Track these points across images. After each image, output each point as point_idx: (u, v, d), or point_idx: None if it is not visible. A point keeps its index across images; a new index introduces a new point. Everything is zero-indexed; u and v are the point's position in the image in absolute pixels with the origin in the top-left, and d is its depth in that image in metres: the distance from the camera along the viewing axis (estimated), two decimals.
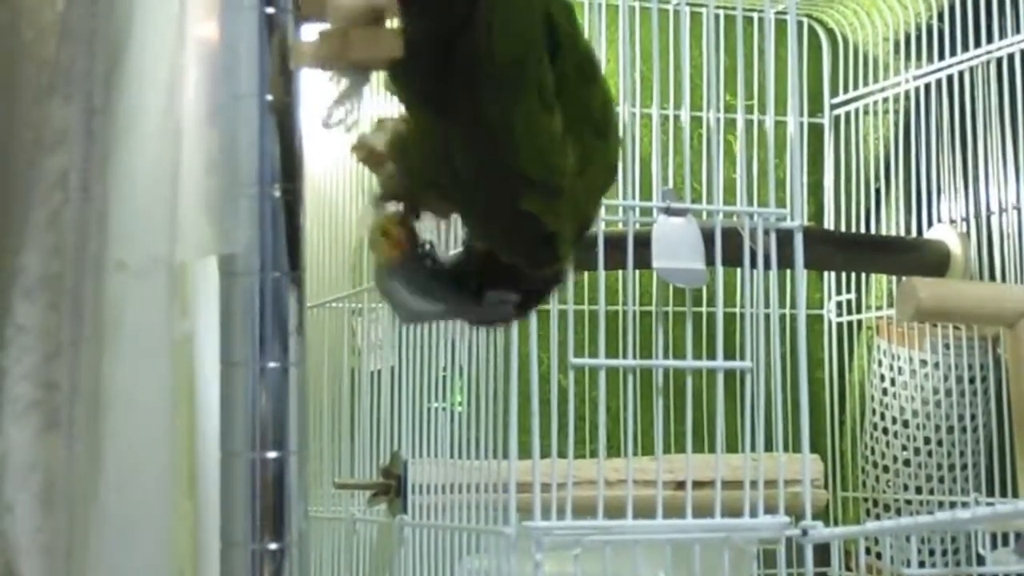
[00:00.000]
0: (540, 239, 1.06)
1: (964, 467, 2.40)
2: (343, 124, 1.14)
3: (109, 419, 1.08)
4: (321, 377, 2.21)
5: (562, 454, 1.63)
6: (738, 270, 1.77)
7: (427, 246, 1.18)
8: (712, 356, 1.73)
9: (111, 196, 1.09)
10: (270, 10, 1.09)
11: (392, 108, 1.17)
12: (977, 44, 2.40)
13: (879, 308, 2.63)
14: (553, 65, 1.04)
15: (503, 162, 1.04)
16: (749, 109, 2.10)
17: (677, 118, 2.34)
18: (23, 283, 1.08)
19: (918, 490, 2.42)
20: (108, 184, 1.09)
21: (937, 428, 2.41)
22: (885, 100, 2.65)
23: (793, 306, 1.77)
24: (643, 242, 1.69)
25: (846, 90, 2.73)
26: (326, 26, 1.11)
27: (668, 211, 1.69)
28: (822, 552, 1.74)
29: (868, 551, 2.36)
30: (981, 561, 2.26)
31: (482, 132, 1.04)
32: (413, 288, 1.18)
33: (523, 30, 1.04)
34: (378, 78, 1.13)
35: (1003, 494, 2.32)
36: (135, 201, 1.09)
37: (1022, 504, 1.88)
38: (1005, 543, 2.22)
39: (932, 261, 2.43)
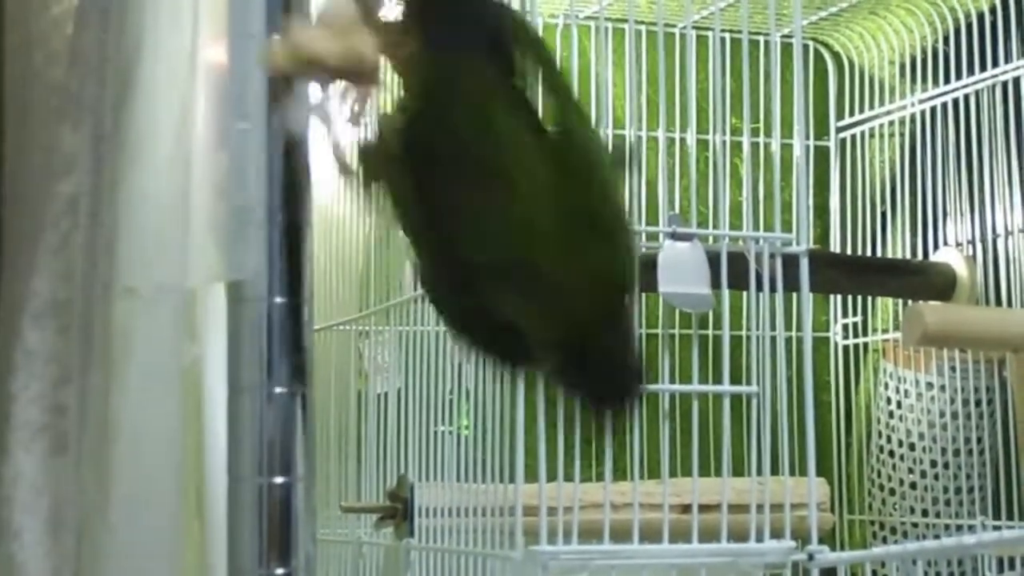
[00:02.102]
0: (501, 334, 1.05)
1: (971, 490, 2.40)
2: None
3: (118, 444, 1.08)
4: (328, 400, 2.21)
5: (568, 478, 1.63)
6: (744, 293, 1.77)
7: None
8: (718, 380, 1.73)
9: (121, 222, 1.10)
10: (277, 36, 1.09)
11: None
12: (983, 68, 2.40)
13: (885, 331, 2.63)
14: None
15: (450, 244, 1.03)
16: (755, 132, 2.10)
17: (683, 141, 2.34)
18: (33, 308, 1.09)
19: (924, 513, 2.42)
20: (118, 210, 1.10)
21: (943, 451, 2.40)
22: (891, 123, 2.65)
23: (799, 329, 1.77)
24: (649, 265, 1.69)
25: (852, 113, 2.73)
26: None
27: (674, 236, 1.70)
28: None
29: (874, 575, 2.35)
30: None
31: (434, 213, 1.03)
32: None
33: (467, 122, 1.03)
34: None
35: (1009, 516, 2.32)
36: (145, 227, 1.10)
37: None
38: (1012, 567, 2.21)
39: (938, 284, 2.43)
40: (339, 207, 2.25)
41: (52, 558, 1.08)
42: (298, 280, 1.06)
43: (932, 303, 2.38)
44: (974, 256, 2.43)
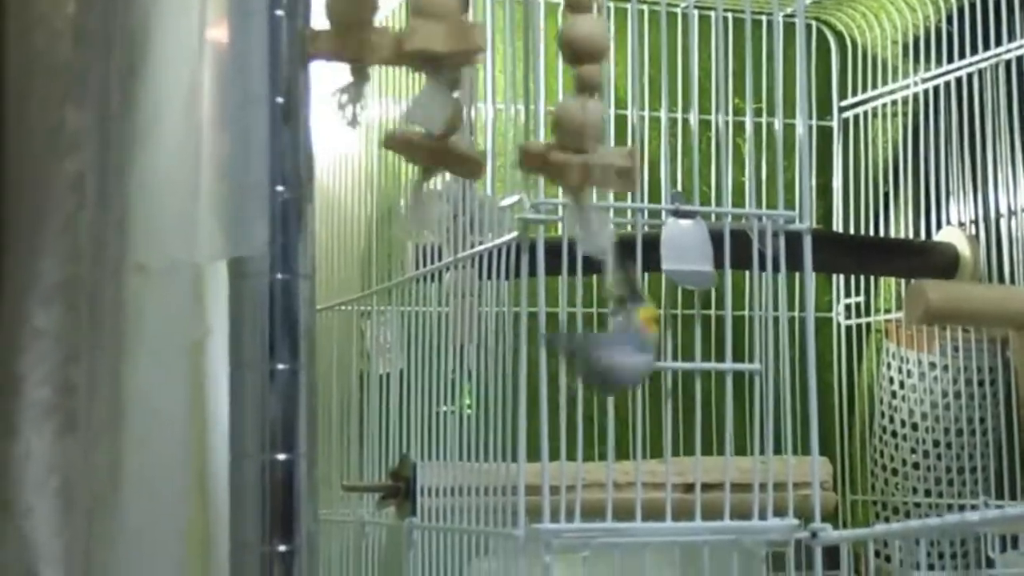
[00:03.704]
0: None
1: (973, 470, 2.40)
2: (345, 117, 1.14)
3: (128, 422, 1.08)
4: (330, 380, 2.21)
5: (571, 457, 1.63)
6: (747, 272, 1.77)
7: None
8: (721, 358, 1.73)
9: (131, 199, 1.09)
10: (279, 13, 1.09)
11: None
12: (986, 47, 2.39)
13: (888, 311, 2.63)
14: None
15: None
16: (758, 112, 2.10)
17: (686, 121, 2.34)
18: (40, 288, 1.09)
19: (927, 493, 2.42)
20: (128, 187, 1.10)
21: (946, 431, 2.40)
22: (894, 103, 2.65)
23: (802, 309, 1.77)
24: (652, 244, 1.69)
25: (855, 93, 2.73)
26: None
27: (677, 214, 1.70)
28: (831, 555, 1.74)
29: (877, 554, 2.36)
30: (990, 564, 2.26)
31: None
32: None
33: None
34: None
35: (1012, 496, 2.32)
36: (156, 204, 1.10)
37: None
38: (1015, 546, 2.21)
39: (941, 264, 2.43)
40: (342, 186, 2.25)
41: (63, 536, 1.08)
42: (301, 256, 1.06)
43: (935, 280, 2.38)
44: (977, 236, 2.43)
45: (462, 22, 1.11)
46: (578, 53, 1.16)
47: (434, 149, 1.16)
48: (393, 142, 1.18)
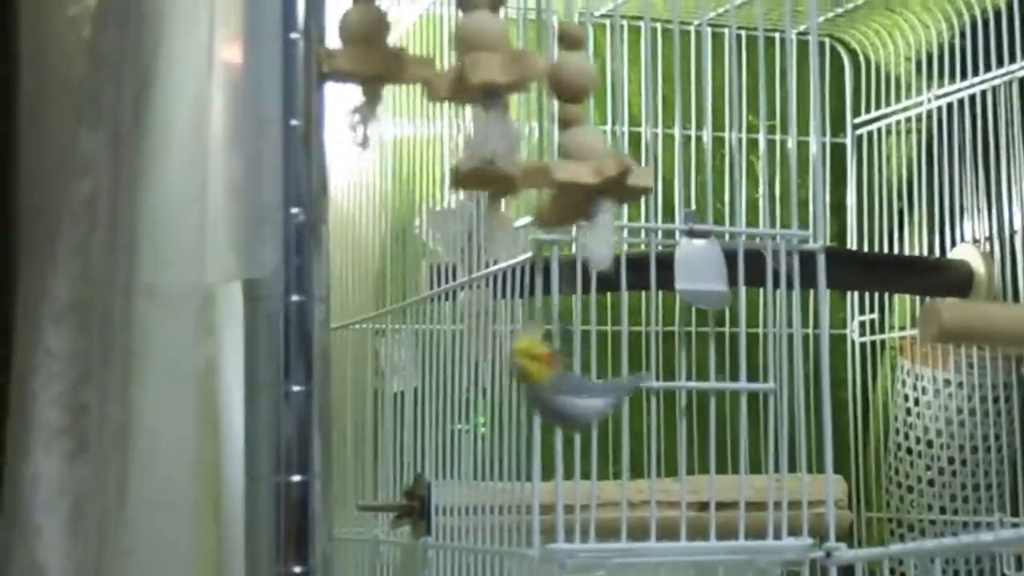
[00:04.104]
0: None
1: (988, 487, 2.39)
2: (356, 138, 1.15)
3: (137, 443, 1.09)
4: (344, 399, 2.21)
5: (585, 475, 1.63)
6: (761, 291, 1.77)
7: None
8: (735, 377, 1.73)
9: (140, 221, 1.10)
10: (294, 35, 1.10)
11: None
12: (1000, 64, 2.39)
13: (902, 328, 2.62)
14: None
15: None
16: (771, 129, 2.10)
17: (699, 139, 2.34)
18: (53, 308, 1.09)
19: (942, 510, 2.41)
20: (137, 209, 1.10)
21: (961, 448, 2.40)
22: (908, 120, 2.64)
23: (816, 326, 1.77)
24: (666, 263, 1.69)
25: (868, 110, 2.73)
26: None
27: (691, 233, 1.70)
28: (846, 574, 1.74)
29: (892, 572, 2.35)
30: None
31: None
32: (574, 393, 1.28)
33: None
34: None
35: None
36: (164, 226, 1.10)
37: None
38: None
39: (956, 281, 2.42)
40: (355, 204, 2.25)
41: (73, 558, 1.09)
42: (315, 278, 1.07)
43: (948, 299, 2.37)
44: (991, 253, 2.42)
45: (515, 51, 1.11)
46: (566, 92, 1.17)
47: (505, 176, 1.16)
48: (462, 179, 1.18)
